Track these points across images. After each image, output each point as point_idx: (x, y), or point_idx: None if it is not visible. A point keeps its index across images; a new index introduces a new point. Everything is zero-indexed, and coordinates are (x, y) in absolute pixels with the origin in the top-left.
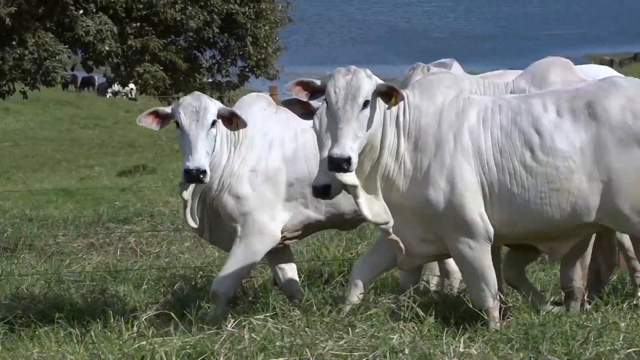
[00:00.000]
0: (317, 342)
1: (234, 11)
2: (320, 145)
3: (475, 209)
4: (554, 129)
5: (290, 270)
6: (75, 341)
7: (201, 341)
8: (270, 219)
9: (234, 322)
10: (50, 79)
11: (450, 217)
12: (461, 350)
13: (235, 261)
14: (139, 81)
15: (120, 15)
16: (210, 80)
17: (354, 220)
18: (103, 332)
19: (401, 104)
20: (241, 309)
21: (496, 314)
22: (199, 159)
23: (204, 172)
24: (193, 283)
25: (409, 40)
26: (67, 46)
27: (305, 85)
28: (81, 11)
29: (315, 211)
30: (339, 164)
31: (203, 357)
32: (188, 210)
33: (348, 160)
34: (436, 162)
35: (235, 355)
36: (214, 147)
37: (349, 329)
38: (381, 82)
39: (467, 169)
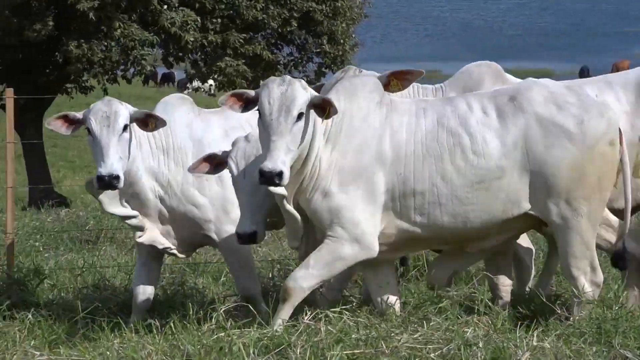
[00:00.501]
0: (392, 334)
1: (311, 9)
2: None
3: (372, 220)
4: (483, 128)
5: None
6: (155, 332)
7: (278, 334)
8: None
9: (310, 314)
10: (139, 68)
11: (345, 218)
12: (534, 344)
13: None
14: (220, 77)
15: (205, 9)
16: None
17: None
18: (182, 323)
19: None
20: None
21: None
22: (111, 164)
23: (117, 177)
24: (270, 276)
25: (483, 38)
26: (152, 34)
27: (239, 97)
28: (165, 6)
29: None
30: (270, 178)
31: (280, 349)
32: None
33: (280, 174)
34: (353, 167)
35: (312, 347)
36: (129, 151)
37: (424, 322)
38: (315, 94)
39: (379, 177)
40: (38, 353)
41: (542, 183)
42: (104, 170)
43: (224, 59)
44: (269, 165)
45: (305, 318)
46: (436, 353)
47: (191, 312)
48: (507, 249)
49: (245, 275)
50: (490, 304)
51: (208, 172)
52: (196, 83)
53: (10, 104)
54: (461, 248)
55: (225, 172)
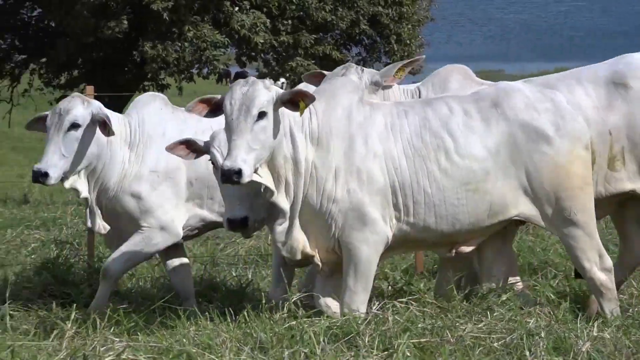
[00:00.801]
0: (457, 324)
1: (378, 12)
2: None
3: (380, 210)
4: (466, 131)
5: (182, 267)
6: (229, 320)
7: (347, 322)
8: (172, 217)
9: (378, 304)
10: (211, 68)
11: (354, 214)
12: (595, 334)
13: (132, 246)
14: (291, 75)
15: (273, 13)
16: None
17: None
18: (255, 312)
19: (306, 111)
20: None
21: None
22: (46, 160)
23: (45, 174)
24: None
25: (544, 39)
26: (224, 36)
27: (208, 102)
28: (236, 8)
29: (210, 212)
30: (229, 176)
31: (349, 337)
32: (88, 211)
33: (239, 172)
34: (347, 163)
35: (380, 335)
36: (76, 149)
37: (488, 312)
38: (283, 91)
39: (378, 171)
40: (117, 339)
41: (527, 188)
42: (37, 165)
43: (295, 58)
44: (227, 163)
45: (374, 308)
46: (499, 342)
47: (263, 302)
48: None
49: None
50: (552, 295)
51: (184, 156)
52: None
53: None
54: (451, 250)
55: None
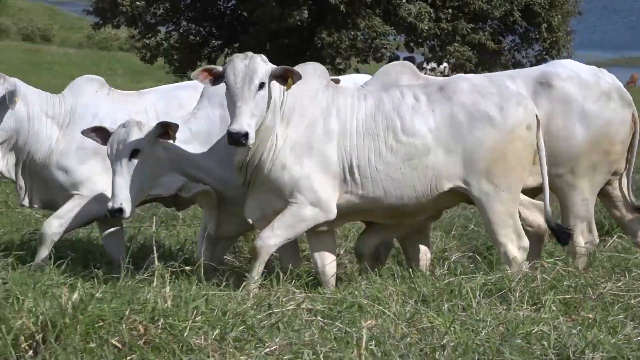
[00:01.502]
0: (598, 282)
1: (531, 2)
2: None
3: (328, 185)
4: (413, 112)
5: (115, 233)
6: (395, 276)
7: (500, 280)
8: (103, 188)
9: (528, 264)
10: (380, 55)
11: (303, 183)
12: None
13: (70, 210)
14: (451, 59)
15: (436, 3)
16: (512, 60)
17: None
18: (418, 269)
19: (281, 89)
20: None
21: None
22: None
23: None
24: None
25: None
26: (392, 28)
27: (210, 72)
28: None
29: None
30: (237, 139)
31: (501, 293)
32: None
33: (246, 135)
34: (304, 139)
35: (529, 291)
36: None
37: (626, 272)
38: (275, 67)
39: (331, 149)
40: (298, 291)
41: (465, 162)
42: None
43: (453, 44)
44: (235, 127)
45: (524, 267)
46: (636, 300)
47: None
48: (426, 224)
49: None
50: None
51: (98, 141)
52: (432, 65)
53: None
54: (400, 222)
55: None
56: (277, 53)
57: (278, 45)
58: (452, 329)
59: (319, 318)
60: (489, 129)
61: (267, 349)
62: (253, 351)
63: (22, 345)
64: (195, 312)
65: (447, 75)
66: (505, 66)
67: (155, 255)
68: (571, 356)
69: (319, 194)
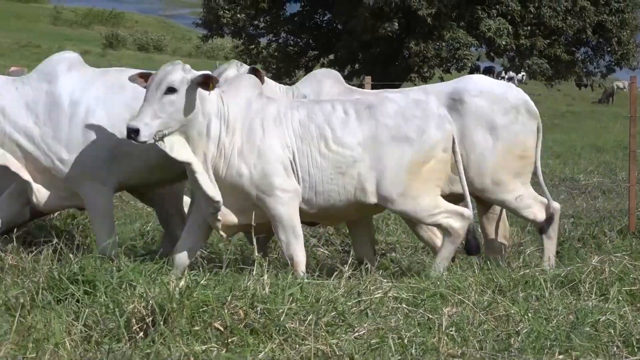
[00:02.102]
0: None
1: (603, 20)
2: None
3: (282, 174)
4: (343, 125)
5: None
6: (474, 268)
7: (570, 272)
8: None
9: (597, 258)
10: (462, 65)
11: (262, 183)
12: None
13: None
14: (529, 70)
15: (515, 20)
16: (584, 70)
17: None
18: (496, 261)
19: (220, 99)
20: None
21: (302, 267)
22: None
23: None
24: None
25: None
26: (474, 39)
27: (145, 77)
28: (485, 15)
29: None
30: (128, 133)
31: (572, 284)
32: None
33: (135, 131)
34: (248, 143)
35: (597, 283)
36: None
37: None
38: (198, 74)
39: (276, 145)
40: (385, 280)
41: (384, 178)
42: None
43: (531, 57)
44: (130, 123)
45: (593, 261)
46: None
47: (503, 252)
48: (368, 220)
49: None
50: None
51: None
52: (511, 74)
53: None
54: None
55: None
56: (368, 61)
57: (369, 54)
58: (526, 317)
59: (403, 305)
60: (407, 150)
61: (356, 333)
62: (343, 335)
63: (134, 327)
64: (290, 298)
65: (525, 84)
66: (578, 75)
67: (255, 245)
68: (635, 343)
69: (281, 184)
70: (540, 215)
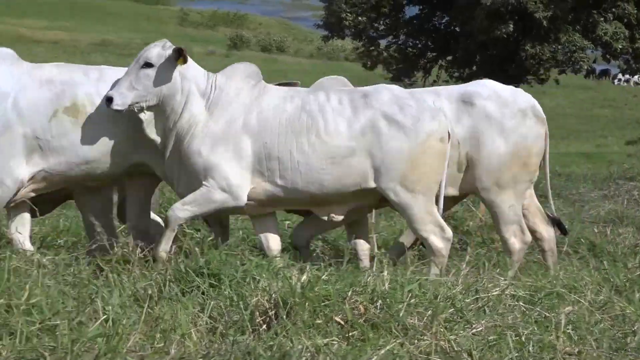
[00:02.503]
0: None
1: None
2: None
3: (241, 175)
4: (337, 115)
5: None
6: (590, 267)
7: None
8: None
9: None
10: (578, 67)
11: (215, 172)
12: None
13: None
14: None
15: (632, 23)
16: None
17: None
18: (613, 261)
19: (210, 82)
20: None
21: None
22: None
23: None
24: None
25: None
26: (590, 43)
27: None
28: (602, 19)
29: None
30: (105, 101)
31: None
32: None
33: (109, 98)
34: (223, 132)
35: None
36: None
37: None
38: (174, 48)
39: (246, 142)
40: (502, 278)
41: (383, 167)
42: None
43: None
44: (109, 92)
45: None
46: None
47: (619, 253)
48: (364, 218)
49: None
50: None
51: None
52: (627, 76)
53: None
54: (320, 212)
55: None
56: (486, 63)
57: (487, 55)
58: None
59: (521, 303)
60: (403, 139)
61: (474, 330)
62: (461, 331)
63: (257, 320)
64: (409, 294)
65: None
66: None
67: (375, 243)
68: None
69: (229, 182)
70: (512, 241)
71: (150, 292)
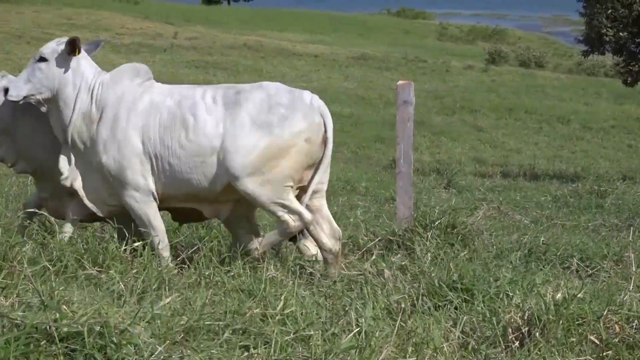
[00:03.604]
0: None
1: None
2: None
3: (139, 171)
4: (207, 114)
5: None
6: None
7: None
8: None
9: None
10: None
11: (119, 177)
12: None
13: None
14: None
15: None
16: None
17: None
18: None
19: (98, 80)
20: None
21: (166, 254)
22: None
23: None
24: None
25: None
26: None
27: None
28: None
29: None
30: (2, 91)
31: None
32: None
33: (6, 90)
34: (111, 133)
35: None
36: None
37: None
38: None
39: (136, 140)
40: None
41: (236, 158)
42: None
43: None
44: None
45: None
46: None
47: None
48: (252, 215)
49: None
50: None
51: None
52: None
53: None
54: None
55: None
56: None
57: None
58: None
59: None
60: (266, 137)
61: None
62: None
63: (510, 337)
64: None
65: None
66: None
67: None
68: None
69: (136, 181)
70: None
71: (403, 305)
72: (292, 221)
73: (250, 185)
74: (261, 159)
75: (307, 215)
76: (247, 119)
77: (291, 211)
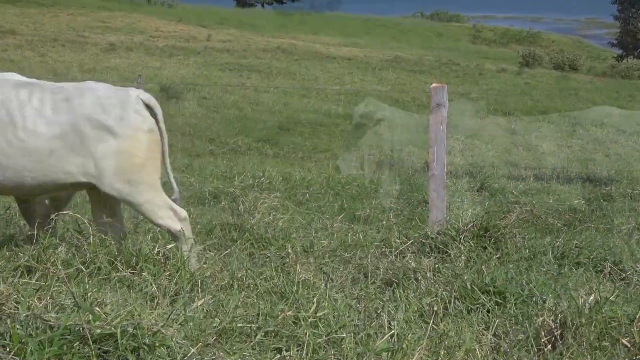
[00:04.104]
0: None
1: None
2: None
3: None
4: (36, 115)
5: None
6: None
7: None
8: None
9: None
10: None
11: None
12: None
13: None
14: None
15: None
16: None
17: None
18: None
19: None
20: None
21: None
22: None
23: None
24: None
25: None
26: None
27: None
28: None
29: None
30: None
31: None
32: None
33: None
34: None
35: None
36: None
37: None
38: None
39: None
40: None
41: (96, 167)
42: None
43: None
44: None
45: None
46: None
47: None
48: (115, 209)
49: None
50: None
51: None
52: None
53: None
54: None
55: None
56: None
57: None
58: None
59: None
60: (110, 139)
61: None
62: None
63: (542, 340)
64: None
65: None
66: None
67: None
68: None
69: None
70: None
71: (435, 308)
72: (174, 224)
73: (125, 190)
74: (118, 161)
75: (183, 212)
76: (87, 127)
77: (168, 209)
